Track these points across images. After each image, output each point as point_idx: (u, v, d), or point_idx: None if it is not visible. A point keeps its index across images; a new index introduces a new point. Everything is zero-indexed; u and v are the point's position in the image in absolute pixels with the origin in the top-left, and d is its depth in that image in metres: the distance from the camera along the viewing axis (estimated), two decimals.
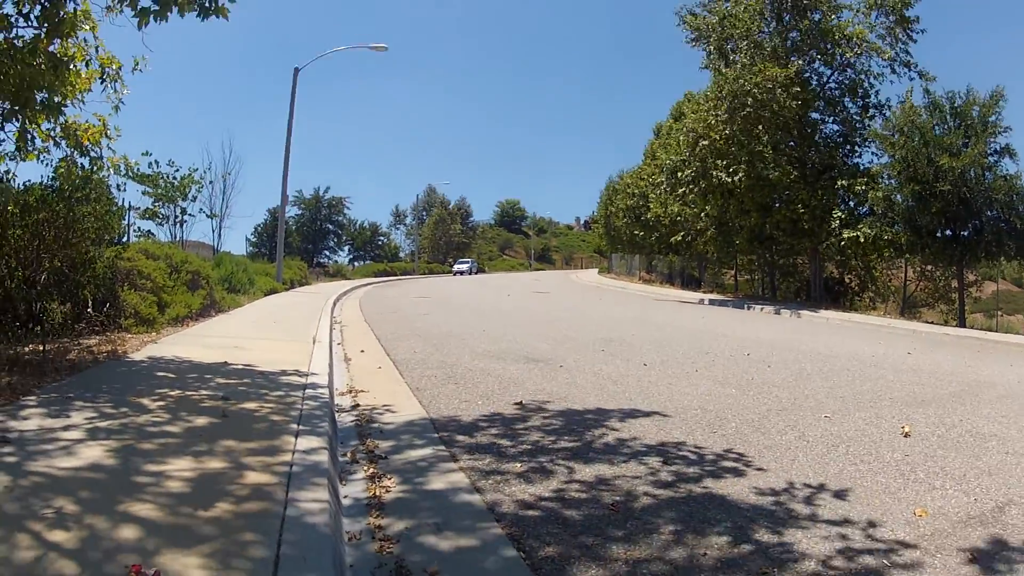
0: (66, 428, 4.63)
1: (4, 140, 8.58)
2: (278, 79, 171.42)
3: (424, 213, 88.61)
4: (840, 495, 4.25)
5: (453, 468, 4.63)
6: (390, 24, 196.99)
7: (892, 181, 20.84)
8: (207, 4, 6.72)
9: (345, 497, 4.11)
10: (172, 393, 5.91)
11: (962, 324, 19.92)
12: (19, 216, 7.90)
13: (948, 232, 19.67)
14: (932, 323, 20.09)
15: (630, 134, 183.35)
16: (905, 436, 5.81)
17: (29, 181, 8.57)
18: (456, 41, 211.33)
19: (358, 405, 6.67)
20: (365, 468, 4.62)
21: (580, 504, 4.00)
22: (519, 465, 4.69)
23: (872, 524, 3.79)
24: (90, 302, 9.43)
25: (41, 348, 7.49)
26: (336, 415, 6.10)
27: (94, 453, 4.07)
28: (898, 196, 20.25)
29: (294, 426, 4.93)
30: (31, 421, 4.79)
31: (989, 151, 18.97)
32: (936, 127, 19.61)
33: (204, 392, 6.04)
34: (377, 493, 4.13)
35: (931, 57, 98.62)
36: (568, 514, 3.84)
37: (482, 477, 4.44)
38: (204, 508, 3.25)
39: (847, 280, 27.60)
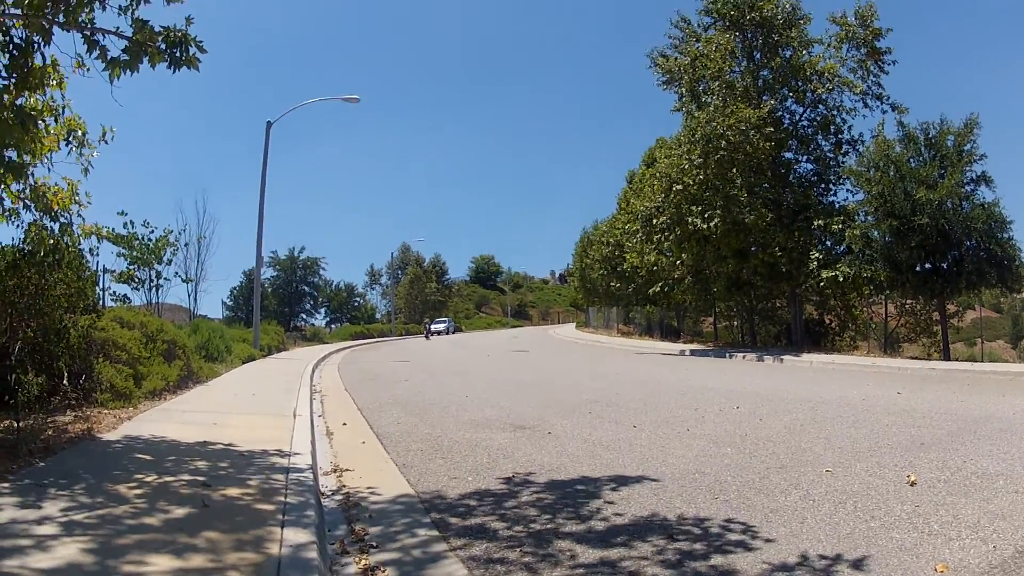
0: (40, 521, 4.36)
1: None
2: (251, 135, 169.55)
3: (399, 272, 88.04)
4: (856, 560, 4.05)
5: (447, 553, 4.41)
6: (362, 77, 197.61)
7: (869, 218, 20.92)
8: (178, 55, 6.53)
9: None
10: (150, 479, 5.64)
11: (946, 357, 19.87)
12: None
13: (928, 265, 19.59)
14: (916, 358, 20.04)
15: (603, 184, 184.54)
16: (912, 485, 5.65)
17: None
18: (427, 92, 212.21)
19: (344, 486, 6.41)
20: (356, 560, 4.38)
21: None
22: (518, 550, 4.45)
23: None
24: (65, 374, 8.99)
25: (16, 425, 7.11)
26: (322, 499, 5.86)
27: (69, 552, 3.81)
28: (876, 232, 20.25)
29: (279, 515, 4.69)
30: (4, 512, 4.53)
31: (966, 180, 18.97)
32: (911, 159, 19.67)
33: (184, 477, 5.77)
34: None
35: (903, 88, 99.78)
36: None
37: (480, 565, 4.21)
38: None
39: (827, 321, 27.44)
